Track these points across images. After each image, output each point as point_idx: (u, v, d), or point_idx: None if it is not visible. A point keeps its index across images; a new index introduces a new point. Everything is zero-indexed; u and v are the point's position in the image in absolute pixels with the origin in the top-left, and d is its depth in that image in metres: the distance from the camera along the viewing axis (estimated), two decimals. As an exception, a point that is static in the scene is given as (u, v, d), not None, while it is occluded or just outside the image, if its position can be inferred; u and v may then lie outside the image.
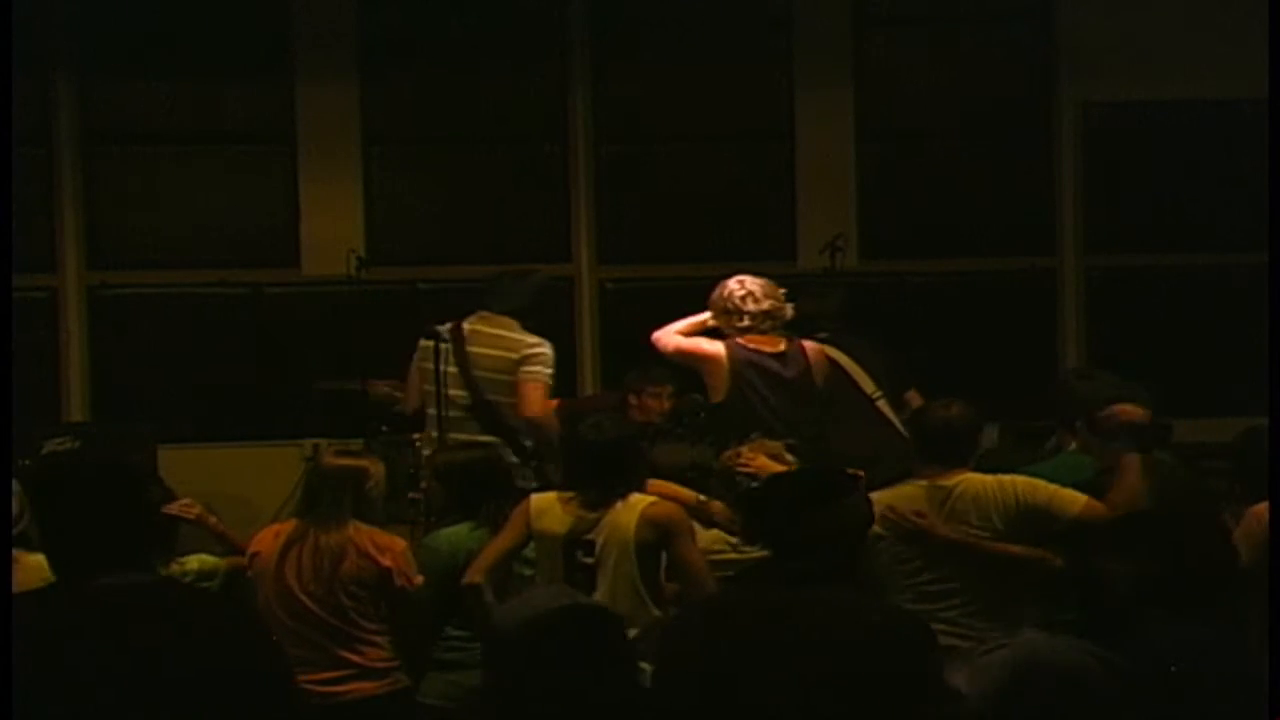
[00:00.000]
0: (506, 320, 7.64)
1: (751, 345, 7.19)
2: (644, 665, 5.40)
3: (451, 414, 7.55)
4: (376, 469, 5.88)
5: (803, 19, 9.94)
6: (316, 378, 8.96)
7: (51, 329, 9.64)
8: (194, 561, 5.94)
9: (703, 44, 9.94)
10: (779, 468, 5.98)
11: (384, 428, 8.29)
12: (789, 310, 7.33)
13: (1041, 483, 5.67)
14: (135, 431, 8.79)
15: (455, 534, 5.98)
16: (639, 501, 5.57)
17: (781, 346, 7.24)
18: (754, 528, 4.19)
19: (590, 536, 5.49)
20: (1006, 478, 5.73)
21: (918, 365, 8.25)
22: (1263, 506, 5.38)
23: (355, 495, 5.75)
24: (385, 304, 8.68)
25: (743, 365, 7.14)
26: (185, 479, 7.98)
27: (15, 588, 5.37)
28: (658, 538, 5.50)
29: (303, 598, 5.65)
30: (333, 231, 9.69)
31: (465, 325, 7.62)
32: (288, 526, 5.84)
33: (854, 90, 9.99)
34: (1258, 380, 6.40)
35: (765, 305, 7.23)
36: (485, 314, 7.72)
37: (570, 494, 5.62)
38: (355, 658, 5.63)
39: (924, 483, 5.69)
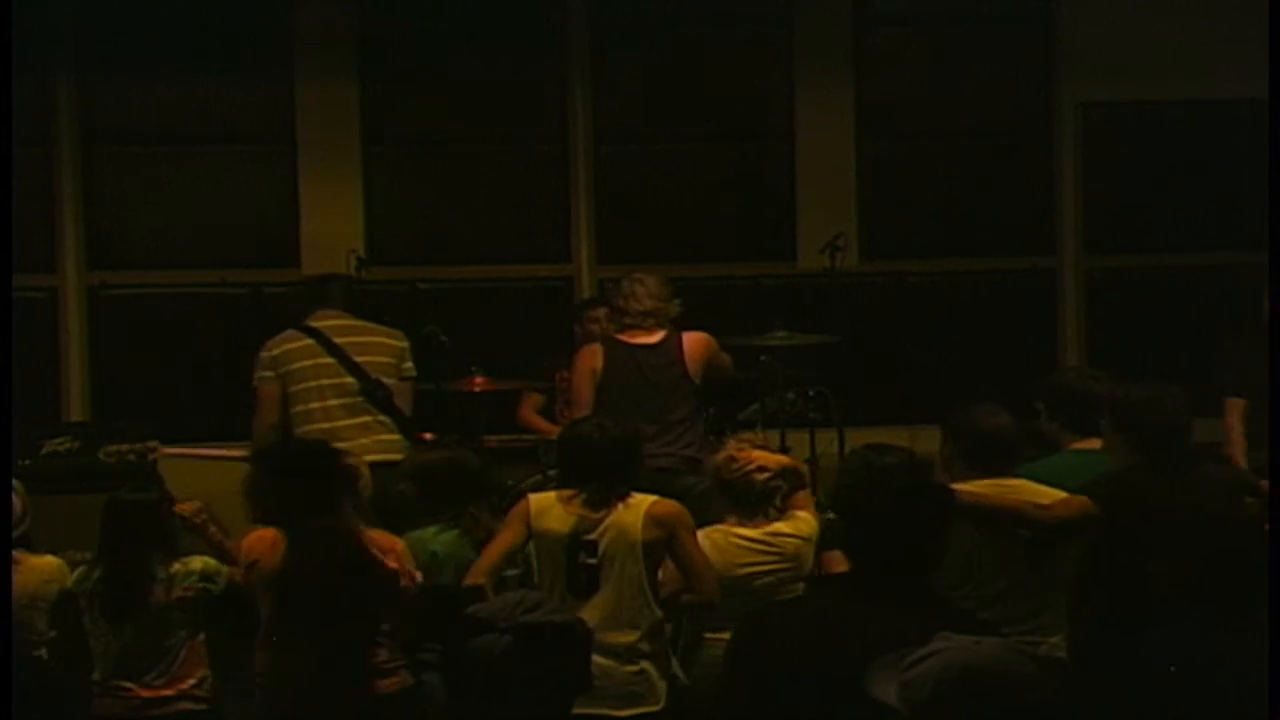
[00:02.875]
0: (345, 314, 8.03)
1: (623, 338, 7.70)
2: (647, 666, 5.49)
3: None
4: (365, 469, 5.88)
5: (803, 19, 9.94)
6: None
7: (51, 329, 9.64)
8: (197, 562, 5.92)
9: (703, 44, 9.94)
10: (777, 459, 5.95)
11: None
12: (673, 308, 7.76)
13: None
14: (135, 431, 8.77)
15: (420, 537, 5.97)
16: (642, 501, 5.56)
17: (657, 337, 7.65)
18: (858, 539, 4.09)
19: (592, 537, 5.49)
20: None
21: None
22: None
23: (352, 497, 5.74)
24: (385, 304, 8.67)
25: (614, 356, 7.65)
26: (185, 479, 7.98)
27: (16, 588, 5.42)
28: (663, 536, 5.50)
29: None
30: (333, 231, 9.69)
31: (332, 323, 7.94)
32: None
33: (854, 90, 9.99)
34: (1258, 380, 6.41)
35: (646, 305, 7.71)
36: (336, 312, 8.03)
37: (570, 493, 5.61)
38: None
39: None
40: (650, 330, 7.67)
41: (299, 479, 5.63)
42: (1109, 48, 9.87)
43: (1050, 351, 9.98)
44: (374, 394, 7.78)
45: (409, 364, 8.07)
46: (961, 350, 9.85)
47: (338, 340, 7.84)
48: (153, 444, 8.02)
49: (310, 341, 7.86)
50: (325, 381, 7.80)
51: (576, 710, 5.38)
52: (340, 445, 7.19)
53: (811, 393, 8.57)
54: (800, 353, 8.44)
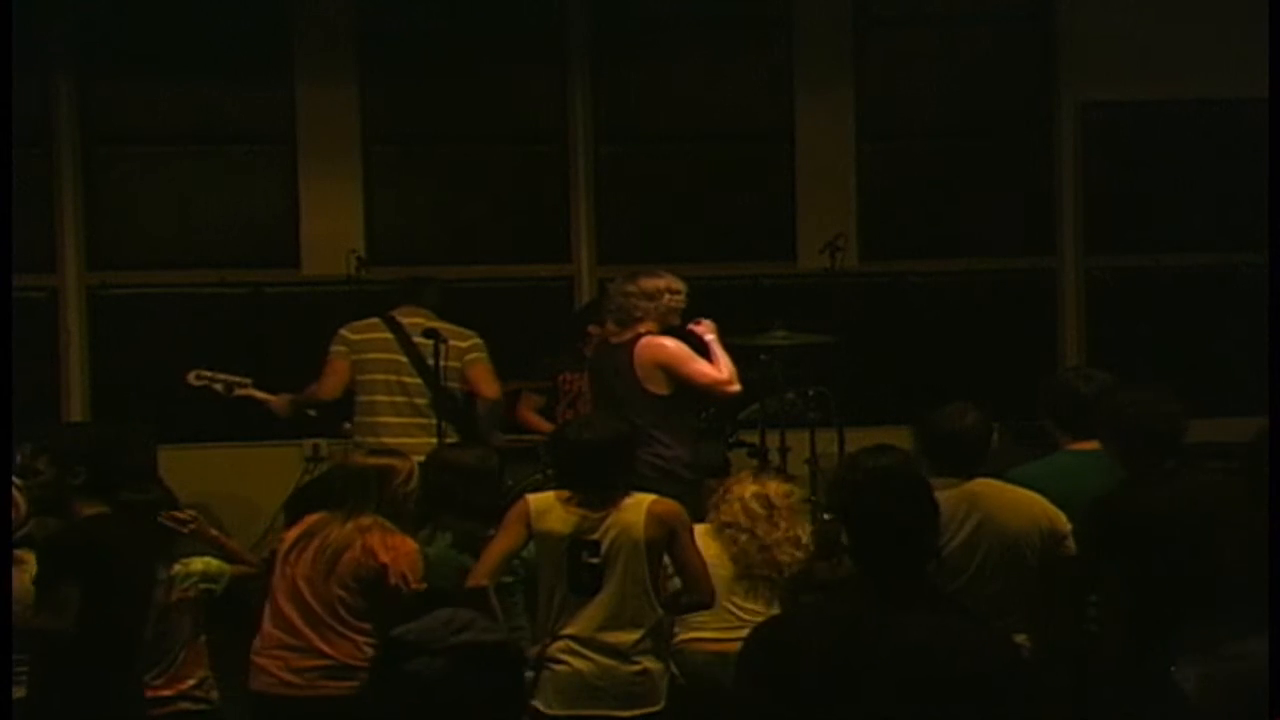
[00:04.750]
0: (429, 314, 8.07)
1: (610, 337, 7.43)
2: (649, 665, 5.48)
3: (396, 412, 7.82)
4: (405, 465, 5.87)
5: (803, 19, 9.94)
6: (313, 378, 8.96)
7: (51, 329, 9.64)
8: (198, 564, 5.93)
9: (703, 44, 9.94)
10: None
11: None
12: (647, 308, 7.33)
13: (1058, 513, 5.64)
14: (135, 431, 8.76)
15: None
16: (642, 499, 5.54)
17: (625, 337, 7.29)
18: (855, 541, 4.06)
19: (594, 536, 5.48)
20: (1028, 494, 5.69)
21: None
22: None
23: (380, 493, 5.75)
24: (385, 304, 8.67)
25: (595, 355, 7.58)
26: (185, 479, 7.99)
27: (21, 588, 5.41)
28: (664, 535, 5.49)
29: (300, 584, 5.66)
30: (333, 231, 9.69)
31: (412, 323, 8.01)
32: (314, 519, 5.83)
33: (854, 90, 9.99)
34: (1258, 380, 6.41)
35: (613, 303, 7.40)
36: (415, 308, 8.10)
37: (570, 494, 5.58)
38: (331, 651, 5.59)
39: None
40: (622, 330, 7.38)
41: (78, 467, 5.62)
42: (1109, 48, 9.88)
43: (1050, 351, 9.99)
44: (442, 401, 7.82)
45: (473, 355, 8.09)
46: (961, 350, 9.85)
47: (416, 340, 7.91)
48: (246, 380, 8.08)
49: (390, 336, 7.98)
50: (394, 378, 7.92)
51: (579, 711, 5.41)
52: (395, 443, 7.34)
53: (811, 393, 8.57)
54: (800, 353, 8.44)
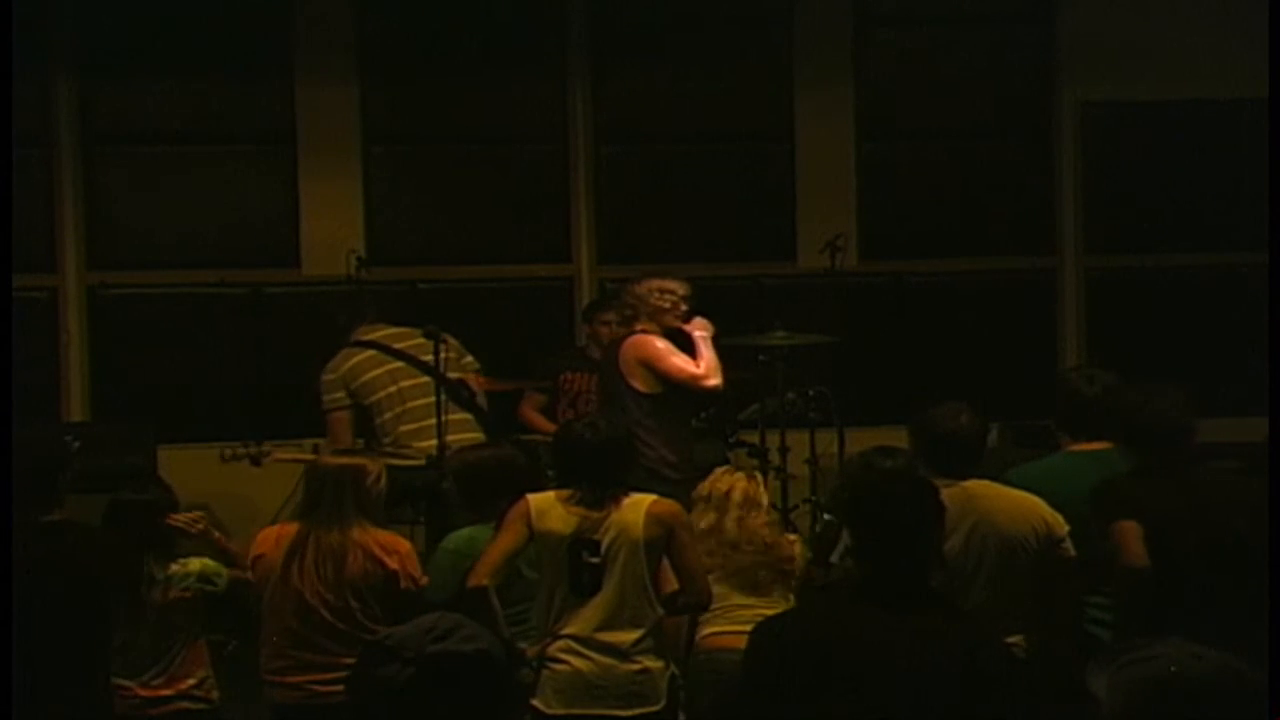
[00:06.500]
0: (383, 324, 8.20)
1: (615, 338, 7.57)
2: (649, 664, 5.48)
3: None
4: (375, 467, 5.88)
5: (803, 19, 9.94)
6: (315, 378, 8.96)
7: (51, 329, 9.63)
8: (196, 564, 5.92)
9: (703, 44, 9.94)
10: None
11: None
12: (640, 308, 7.45)
13: (1056, 516, 5.61)
14: (135, 431, 8.77)
15: (473, 536, 5.93)
16: (642, 499, 5.55)
17: (620, 335, 7.44)
18: (859, 543, 4.05)
19: (595, 536, 5.48)
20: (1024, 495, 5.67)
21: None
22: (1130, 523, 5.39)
23: (356, 495, 5.75)
24: (385, 304, 8.68)
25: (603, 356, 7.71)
26: (185, 479, 7.98)
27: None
28: (663, 535, 5.49)
29: (312, 601, 5.65)
30: (333, 231, 9.68)
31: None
32: (290, 529, 5.84)
33: (854, 90, 9.99)
34: (1258, 380, 6.41)
35: (620, 301, 7.58)
36: (368, 326, 8.24)
37: (570, 493, 5.59)
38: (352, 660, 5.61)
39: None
40: (620, 329, 7.51)
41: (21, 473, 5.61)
42: (1109, 48, 9.88)
43: (1050, 351, 9.99)
44: (457, 392, 7.83)
45: (469, 358, 8.22)
46: (961, 350, 9.85)
47: (398, 346, 7.96)
48: (268, 448, 8.08)
49: (371, 353, 8.00)
50: (403, 384, 7.94)
51: (579, 710, 5.41)
52: (426, 446, 7.34)
53: (811, 393, 8.57)
54: (800, 353, 8.44)
